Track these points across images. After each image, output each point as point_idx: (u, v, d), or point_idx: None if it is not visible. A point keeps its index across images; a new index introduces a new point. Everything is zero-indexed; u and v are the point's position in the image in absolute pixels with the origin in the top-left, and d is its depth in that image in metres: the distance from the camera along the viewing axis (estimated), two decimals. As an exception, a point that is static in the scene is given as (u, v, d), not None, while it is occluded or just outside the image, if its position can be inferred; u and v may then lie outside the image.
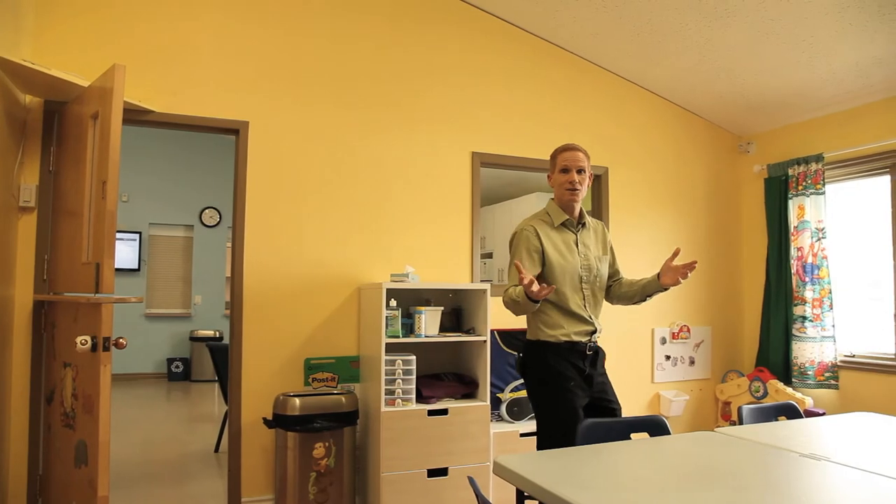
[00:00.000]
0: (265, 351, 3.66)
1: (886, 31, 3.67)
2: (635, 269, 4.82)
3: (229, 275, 3.71)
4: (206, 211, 9.32)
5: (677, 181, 5.11)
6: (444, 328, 3.78)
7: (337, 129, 3.90)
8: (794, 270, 4.81)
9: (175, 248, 9.28)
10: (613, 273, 2.92)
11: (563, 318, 2.64)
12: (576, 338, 2.64)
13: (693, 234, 5.15)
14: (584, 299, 2.70)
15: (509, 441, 3.71)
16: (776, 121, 5.09)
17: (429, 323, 3.59)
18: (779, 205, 4.98)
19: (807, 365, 4.66)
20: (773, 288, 4.98)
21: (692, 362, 5.05)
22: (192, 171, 9.21)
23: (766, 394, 4.71)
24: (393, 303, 3.47)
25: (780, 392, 4.61)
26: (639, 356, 4.82)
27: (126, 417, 6.23)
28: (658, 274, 2.69)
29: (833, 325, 4.61)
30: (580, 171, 2.69)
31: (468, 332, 3.79)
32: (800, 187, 4.80)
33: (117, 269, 8.16)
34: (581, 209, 2.79)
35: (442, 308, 3.68)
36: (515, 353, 4.14)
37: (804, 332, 4.70)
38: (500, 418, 3.90)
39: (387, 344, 3.41)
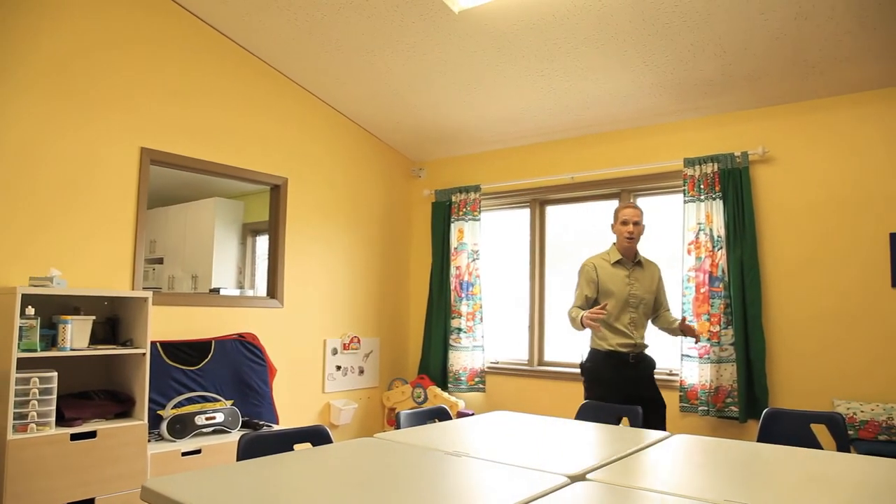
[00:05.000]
0: None
1: (531, 89, 4.33)
2: (308, 278, 4.89)
3: None
4: None
5: (355, 198, 5.33)
6: (96, 340, 3.37)
7: (-34, 101, 3.23)
8: (452, 287, 5.36)
9: None
10: (658, 306, 3.71)
11: (610, 334, 3.50)
12: (619, 348, 3.48)
13: (367, 249, 5.41)
14: (631, 321, 3.51)
15: (170, 461, 3.44)
16: (445, 151, 5.64)
17: (76, 334, 3.16)
18: (443, 227, 5.51)
19: (460, 371, 5.22)
20: (435, 302, 5.48)
21: (361, 372, 5.28)
22: None
23: (426, 399, 5.13)
24: (30, 311, 2.98)
25: (437, 397, 5.07)
26: (311, 367, 4.88)
27: None
28: (680, 326, 3.61)
29: (483, 336, 5.25)
30: (636, 223, 3.54)
31: (125, 344, 3.43)
32: (461, 213, 5.38)
33: None
34: (637, 251, 3.60)
35: (94, 317, 3.28)
36: (186, 368, 3.87)
37: (459, 342, 5.26)
38: (160, 437, 3.59)
39: (19, 359, 2.91)
